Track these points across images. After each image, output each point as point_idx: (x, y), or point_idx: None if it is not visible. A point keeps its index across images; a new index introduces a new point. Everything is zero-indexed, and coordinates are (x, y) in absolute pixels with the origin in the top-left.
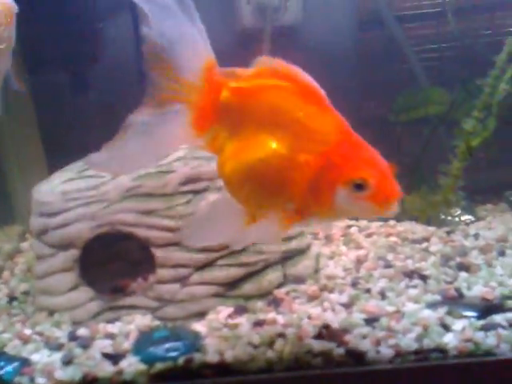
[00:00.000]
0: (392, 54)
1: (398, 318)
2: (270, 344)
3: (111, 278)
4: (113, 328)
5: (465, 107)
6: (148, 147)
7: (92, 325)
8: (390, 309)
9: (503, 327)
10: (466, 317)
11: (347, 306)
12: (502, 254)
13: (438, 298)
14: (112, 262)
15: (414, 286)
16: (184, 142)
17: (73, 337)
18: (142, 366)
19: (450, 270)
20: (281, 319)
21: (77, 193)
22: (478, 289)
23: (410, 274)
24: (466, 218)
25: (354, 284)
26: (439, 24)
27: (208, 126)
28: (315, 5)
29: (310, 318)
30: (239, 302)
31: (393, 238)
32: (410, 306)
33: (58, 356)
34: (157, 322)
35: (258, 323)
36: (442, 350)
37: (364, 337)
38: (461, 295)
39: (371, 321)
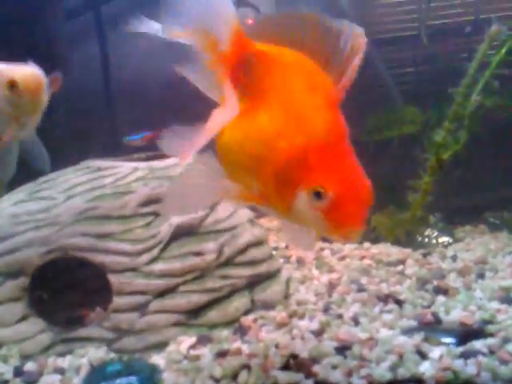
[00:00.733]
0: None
1: (372, 346)
2: (234, 376)
3: (66, 308)
4: (63, 362)
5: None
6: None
7: (41, 359)
8: (363, 335)
9: (484, 354)
10: (443, 343)
11: (317, 333)
12: (481, 276)
13: (413, 323)
14: (67, 290)
15: (389, 311)
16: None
17: (18, 372)
18: None
19: (426, 293)
20: (246, 349)
21: (27, 215)
22: (456, 313)
23: (384, 299)
24: (444, 239)
25: (326, 309)
26: (415, 47)
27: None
28: None
29: (277, 347)
30: (203, 330)
31: (367, 261)
32: (384, 333)
33: None
34: (112, 355)
35: (222, 354)
36: (418, 380)
37: (334, 367)
38: (438, 320)
39: (343, 349)
